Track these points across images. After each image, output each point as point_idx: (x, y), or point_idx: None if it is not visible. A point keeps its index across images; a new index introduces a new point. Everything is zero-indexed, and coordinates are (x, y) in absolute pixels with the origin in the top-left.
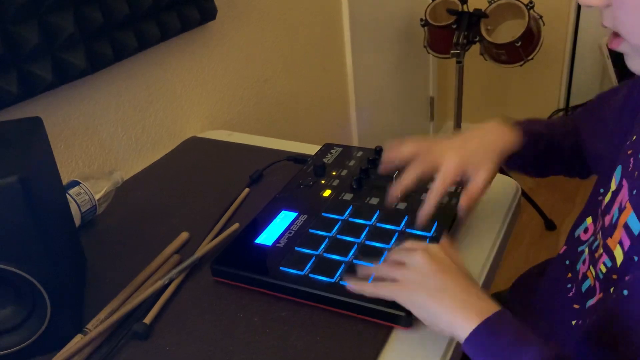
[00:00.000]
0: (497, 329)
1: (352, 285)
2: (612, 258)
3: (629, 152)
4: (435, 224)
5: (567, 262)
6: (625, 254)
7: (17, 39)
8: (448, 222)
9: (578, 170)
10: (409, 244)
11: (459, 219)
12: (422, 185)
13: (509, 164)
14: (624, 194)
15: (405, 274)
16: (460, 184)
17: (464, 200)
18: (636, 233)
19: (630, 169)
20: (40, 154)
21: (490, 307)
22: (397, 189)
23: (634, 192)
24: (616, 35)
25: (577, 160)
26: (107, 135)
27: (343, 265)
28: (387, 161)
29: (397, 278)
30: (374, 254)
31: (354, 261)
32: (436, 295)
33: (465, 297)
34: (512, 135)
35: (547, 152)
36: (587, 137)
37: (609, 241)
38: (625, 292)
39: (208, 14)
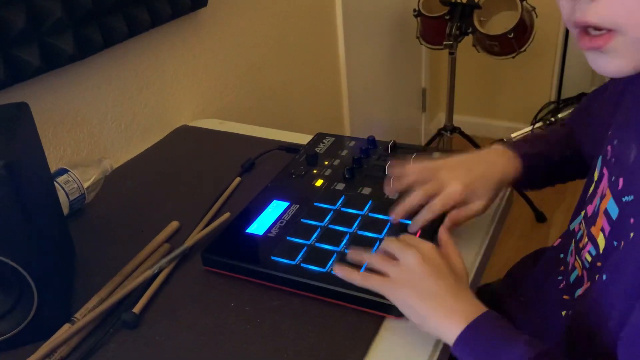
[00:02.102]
0: (482, 331)
1: (341, 272)
2: (596, 246)
3: (606, 141)
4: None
5: (561, 255)
6: (606, 240)
7: (3, 22)
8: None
9: (580, 173)
10: (404, 237)
11: (444, 223)
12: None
13: (514, 186)
14: (604, 182)
15: (397, 272)
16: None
17: (450, 218)
18: (614, 218)
19: (608, 157)
20: (27, 140)
21: (477, 310)
22: (401, 210)
23: (613, 178)
24: (599, 32)
25: (578, 165)
26: (96, 122)
27: (335, 255)
28: (393, 189)
29: (388, 273)
30: (366, 244)
31: (346, 251)
32: (425, 299)
33: (452, 303)
34: (514, 163)
35: (547, 169)
36: (583, 139)
37: (593, 229)
38: (604, 276)
39: (199, 0)
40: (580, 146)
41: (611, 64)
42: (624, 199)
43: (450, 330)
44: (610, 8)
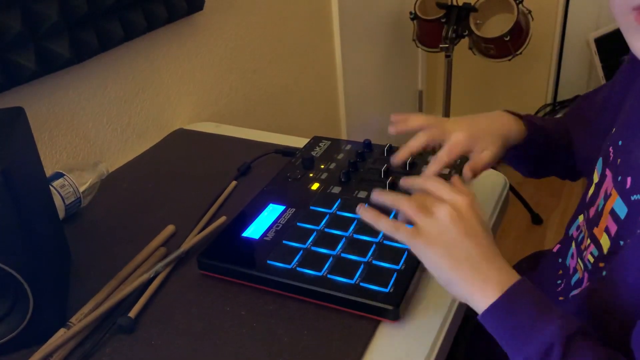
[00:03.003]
0: (516, 302)
1: (367, 215)
2: (599, 247)
3: (608, 143)
4: None
5: (560, 259)
6: (612, 239)
7: None
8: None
9: (570, 172)
10: (440, 187)
11: (463, 176)
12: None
13: (508, 156)
14: (608, 183)
15: (429, 227)
16: (462, 161)
17: (467, 169)
18: (623, 217)
19: (611, 158)
20: (22, 144)
21: (510, 278)
22: (404, 152)
23: (619, 178)
24: None
25: (570, 162)
26: (92, 126)
27: (331, 259)
28: (397, 126)
29: (419, 225)
30: (363, 248)
31: (342, 255)
32: (457, 263)
33: (486, 269)
34: (518, 125)
35: (545, 147)
36: (575, 139)
37: (595, 230)
38: (604, 273)
39: (195, 4)
40: (573, 145)
41: None
42: (633, 198)
43: (482, 298)
44: None
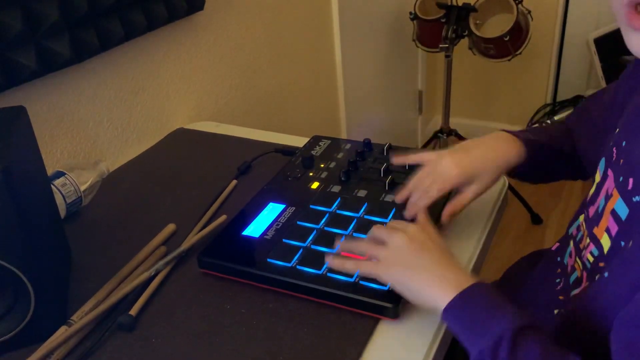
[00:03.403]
0: (472, 299)
1: (334, 263)
2: (599, 246)
3: (611, 143)
4: None
5: (558, 258)
6: (612, 240)
7: (0, 26)
8: (434, 215)
9: (578, 172)
10: (391, 222)
11: (442, 218)
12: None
13: (512, 173)
14: (609, 183)
15: (386, 253)
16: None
17: (447, 210)
18: (623, 218)
19: (614, 158)
20: (23, 143)
21: (467, 280)
22: (404, 193)
23: (620, 179)
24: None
25: (577, 164)
26: (92, 125)
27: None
28: (396, 161)
29: (378, 257)
30: None
31: (342, 254)
32: (415, 272)
33: (442, 272)
34: (515, 148)
35: (549, 160)
36: (581, 140)
37: (595, 230)
38: (606, 274)
39: (196, 3)
40: (579, 146)
41: None
42: (634, 199)
43: (442, 298)
44: None
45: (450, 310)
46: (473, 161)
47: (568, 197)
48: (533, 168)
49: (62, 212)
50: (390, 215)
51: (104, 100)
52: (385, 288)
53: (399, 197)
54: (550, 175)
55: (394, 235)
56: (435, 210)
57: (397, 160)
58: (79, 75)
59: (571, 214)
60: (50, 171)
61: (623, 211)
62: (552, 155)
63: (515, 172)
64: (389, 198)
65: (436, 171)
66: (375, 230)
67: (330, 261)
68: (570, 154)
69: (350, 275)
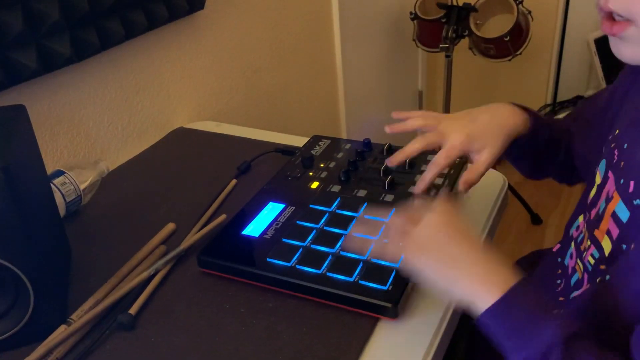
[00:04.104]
0: (517, 301)
1: (352, 243)
2: (600, 249)
3: (612, 145)
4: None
5: (559, 259)
6: (614, 243)
7: (0, 25)
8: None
9: (569, 175)
10: (423, 202)
11: (459, 189)
12: (412, 178)
13: (509, 150)
14: (610, 185)
15: (418, 236)
16: (460, 161)
17: (463, 181)
18: (624, 221)
19: (615, 160)
20: (23, 142)
21: (510, 278)
22: (400, 156)
23: (621, 181)
24: (618, 19)
25: (569, 164)
26: (92, 124)
27: (330, 257)
28: (396, 126)
29: (408, 235)
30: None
31: (342, 253)
32: (451, 265)
33: (483, 269)
34: (521, 118)
35: (548, 144)
36: (576, 141)
37: (596, 232)
38: (608, 277)
39: (196, 3)
40: (574, 147)
41: (627, 50)
42: (635, 202)
43: (483, 298)
44: None
45: (491, 313)
46: (479, 126)
47: (568, 198)
48: (532, 144)
49: (62, 211)
50: (390, 215)
51: (104, 99)
52: (385, 288)
53: (393, 161)
54: (543, 165)
55: (426, 215)
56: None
57: (394, 129)
58: (79, 74)
59: (571, 215)
60: (50, 170)
61: (624, 214)
62: (553, 140)
63: (514, 149)
64: (388, 198)
65: (442, 137)
66: (402, 212)
67: (347, 243)
68: (566, 150)
69: (353, 271)
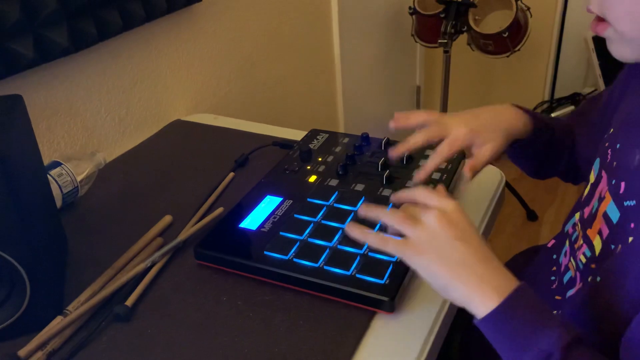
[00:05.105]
0: (516, 307)
1: (354, 231)
2: (592, 248)
3: (606, 144)
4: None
5: (554, 256)
6: (603, 242)
7: None
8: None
9: (573, 174)
10: (425, 195)
11: (460, 184)
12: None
13: (512, 152)
14: (603, 185)
15: (417, 234)
16: (459, 156)
17: (468, 167)
18: (615, 221)
19: (608, 160)
20: (20, 133)
21: (509, 284)
22: (401, 148)
23: (613, 181)
24: (601, 20)
25: (574, 163)
26: (90, 115)
27: (327, 251)
28: (397, 122)
29: (407, 235)
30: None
31: (339, 247)
32: (453, 267)
33: (483, 272)
34: (523, 119)
35: (551, 145)
36: (580, 140)
37: (589, 231)
38: (598, 279)
39: None
40: (577, 146)
41: (614, 49)
42: (625, 203)
43: (482, 303)
44: (600, 1)
45: (491, 318)
46: (482, 122)
47: (563, 194)
48: (535, 146)
49: (58, 202)
50: (388, 209)
51: (101, 90)
52: (382, 281)
53: (394, 153)
54: (546, 165)
55: (428, 214)
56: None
57: (398, 124)
58: (77, 65)
59: (567, 211)
60: (46, 161)
61: (614, 214)
62: (555, 141)
63: (517, 150)
64: (386, 192)
65: (445, 130)
66: (410, 199)
67: (350, 229)
68: (570, 149)
69: (350, 265)
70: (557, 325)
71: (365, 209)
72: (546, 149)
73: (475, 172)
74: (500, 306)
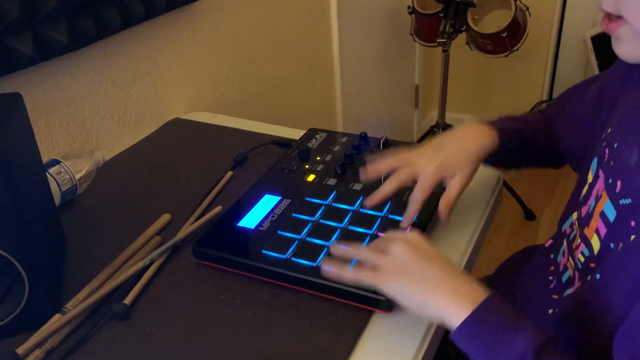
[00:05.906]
0: (487, 317)
1: (330, 270)
2: (590, 247)
3: (604, 143)
4: (416, 216)
5: (552, 255)
6: (601, 241)
7: None
8: (428, 214)
9: (550, 161)
10: (389, 233)
11: (440, 216)
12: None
13: (485, 162)
14: (600, 184)
15: (386, 262)
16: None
17: (441, 206)
18: (612, 220)
19: (605, 159)
20: (19, 130)
21: (479, 294)
22: (376, 197)
23: (610, 180)
24: (613, 18)
25: (550, 153)
26: (89, 113)
27: (325, 250)
28: (368, 175)
29: (379, 265)
30: (357, 239)
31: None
32: (422, 283)
33: (453, 284)
34: (489, 136)
35: (520, 148)
36: (561, 131)
37: (586, 230)
38: (598, 276)
39: None
40: (558, 136)
41: (621, 48)
42: (621, 202)
43: (455, 313)
44: None
45: (464, 328)
46: (447, 155)
47: (561, 194)
48: (506, 155)
49: (57, 200)
50: (386, 208)
51: (100, 88)
52: None
53: (372, 202)
54: (519, 162)
55: (394, 244)
56: (423, 217)
57: (369, 173)
58: (76, 62)
59: (563, 211)
60: (45, 159)
61: (611, 213)
62: (525, 142)
63: (489, 160)
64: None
65: (414, 170)
66: (374, 241)
67: (327, 271)
68: (544, 144)
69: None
70: (529, 329)
71: (338, 250)
72: (516, 152)
73: (450, 208)
74: (474, 314)
